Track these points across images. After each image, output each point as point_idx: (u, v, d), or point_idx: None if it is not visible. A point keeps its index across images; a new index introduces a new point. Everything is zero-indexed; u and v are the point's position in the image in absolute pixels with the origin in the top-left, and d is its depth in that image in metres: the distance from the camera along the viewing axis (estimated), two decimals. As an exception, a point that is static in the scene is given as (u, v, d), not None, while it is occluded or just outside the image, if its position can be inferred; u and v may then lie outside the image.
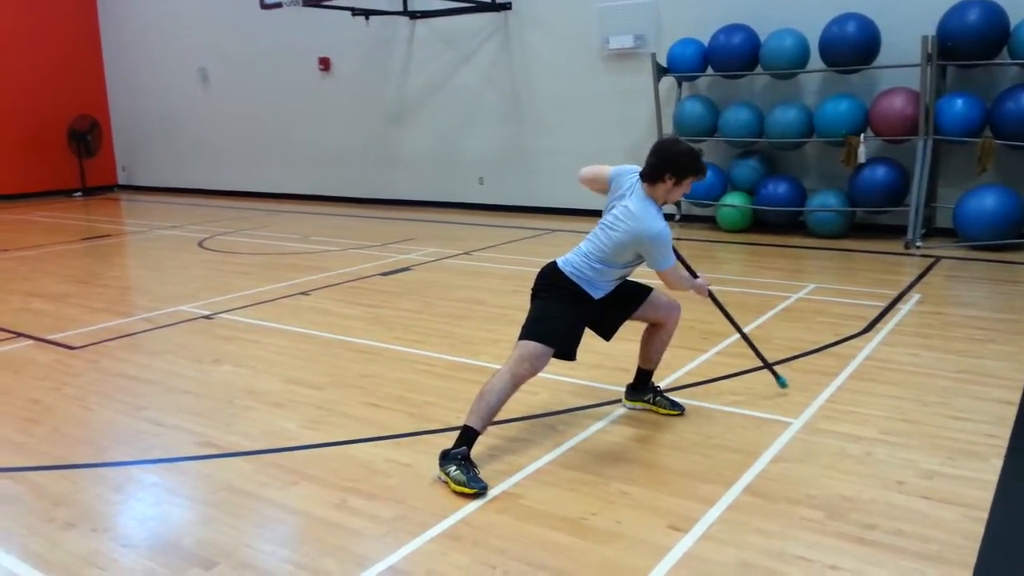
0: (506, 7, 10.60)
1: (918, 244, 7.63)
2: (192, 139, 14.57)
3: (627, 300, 3.56)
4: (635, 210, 3.33)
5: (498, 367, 3.37)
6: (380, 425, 3.76)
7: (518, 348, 3.25)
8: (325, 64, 12.51)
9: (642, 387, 3.81)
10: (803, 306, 5.69)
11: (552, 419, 3.77)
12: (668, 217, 9.40)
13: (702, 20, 8.97)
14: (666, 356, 4.58)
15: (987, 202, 7.38)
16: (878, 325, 5.11)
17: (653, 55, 9.10)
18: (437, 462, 3.17)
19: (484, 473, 3.16)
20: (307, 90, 12.79)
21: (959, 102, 7.57)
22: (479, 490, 3.00)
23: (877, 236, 8.23)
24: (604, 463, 3.31)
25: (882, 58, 8.04)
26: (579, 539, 2.73)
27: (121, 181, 15.99)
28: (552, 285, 3.38)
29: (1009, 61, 7.47)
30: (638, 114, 9.69)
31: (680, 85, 9.36)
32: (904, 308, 5.52)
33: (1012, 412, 3.69)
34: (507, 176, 10.91)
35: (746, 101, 8.81)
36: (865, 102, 8.07)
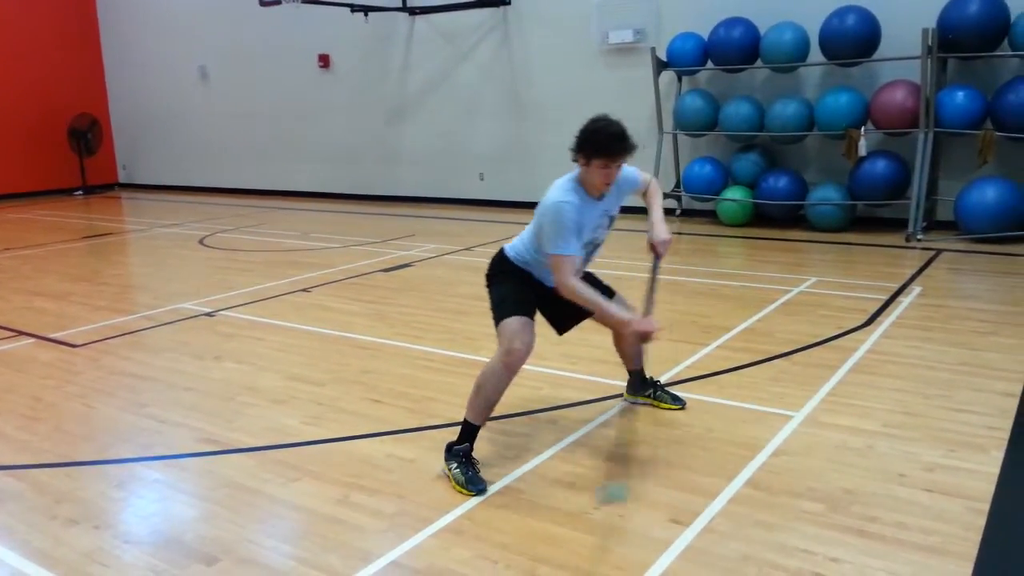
0: (505, 3, 10.58)
1: (919, 237, 7.62)
2: (192, 137, 14.57)
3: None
4: (554, 184, 3.20)
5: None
6: (381, 421, 3.76)
7: (498, 334, 3.17)
8: (324, 61, 12.50)
9: (640, 384, 3.81)
10: (804, 299, 5.69)
11: (554, 414, 3.77)
12: (668, 212, 9.55)
13: (702, 14, 8.96)
14: (666, 350, 4.62)
15: (988, 194, 7.37)
16: (879, 318, 5.11)
17: (653, 49, 9.08)
18: (442, 456, 3.18)
19: (486, 468, 3.16)
20: (307, 87, 12.78)
21: (960, 94, 7.55)
22: (476, 491, 3.00)
23: (878, 229, 8.22)
24: (605, 457, 3.31)
25: (882, 51, 8.03)
26: (581, 533, 2.74)
27: (121, 179, 15.99)
28: (501, 271, 3.32)
29: (1010, 53, 7.45)
30: (638, 109, 9.66)
31: (680, 79, 9.34)
32: (905, 301, 5.52)
33: (1014, 404, 3.69)
34: (507, 172, 10.90)
35: (746, 95, 8.80)
36: (865, 95, 8.05)
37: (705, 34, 8.83)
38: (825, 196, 8.28)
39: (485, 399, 3.14)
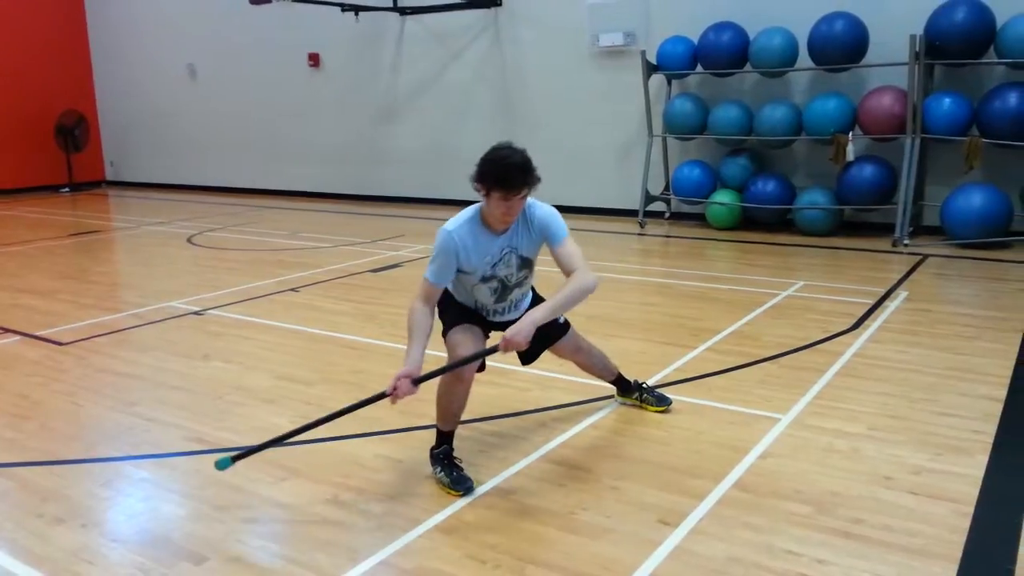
0: (496, 4, 10.59)
1: (906, 242, 7.68)
2: (180, 135, 14.50)
3: (544, 332, 3.20)
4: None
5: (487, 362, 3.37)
6: (370, 421, 3.75)
7: (446, 348, 3.16)
8: (314, 60, 12.48)
9: (626, 388, 3.82)
10: (792, 303, 5.72)
11: (542, 415, 3.78)
12: (658, 215, 9.58)
13: (692, 18, 9.00)
14: (655, 353, 4.64)
15: (974, 200, 7.43)
16: (866, 322, 5.15)
17: (643, 53, 9.11)
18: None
19: (474, 469, 3.17)
20: (296, 86, 12.75)
21: (946, 101, 7.62)
22: (463, 491, 3.01)
23: (865, 234, 8.28)
24: (594, 459, 3.32)
25: (870, 57, 8.09)
26: (570, 534, 2.75)
27: (109, 177, 15.90)
28: (446, 302, 3.26)
29: (996, 60, 7.52)
30: (628, 111, 9.71)
31: (670, 83, 9.38)
32: (892, 305, 5.56)
33: (998, 408, 3.73)
34: None
35: (735, 99, 8.84)
36: (853, 100, 8.11)
37: (695, 38, 8.86)
38: (813, 200, 8.32)
39: (445, 408, 3.15)
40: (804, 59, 8.35)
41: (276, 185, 13.39)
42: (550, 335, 3.43)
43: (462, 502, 2.96)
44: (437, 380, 3.14)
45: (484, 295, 3.20)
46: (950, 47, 7.51)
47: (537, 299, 3.40)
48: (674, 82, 9.39)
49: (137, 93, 14.90)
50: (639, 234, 8.94)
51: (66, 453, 3.52)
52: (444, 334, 3.19)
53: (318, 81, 12.56)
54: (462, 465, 3.13)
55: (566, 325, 3.50)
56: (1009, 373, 4.17)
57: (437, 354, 3.20)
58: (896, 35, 7.76)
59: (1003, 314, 5.34)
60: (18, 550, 2.73)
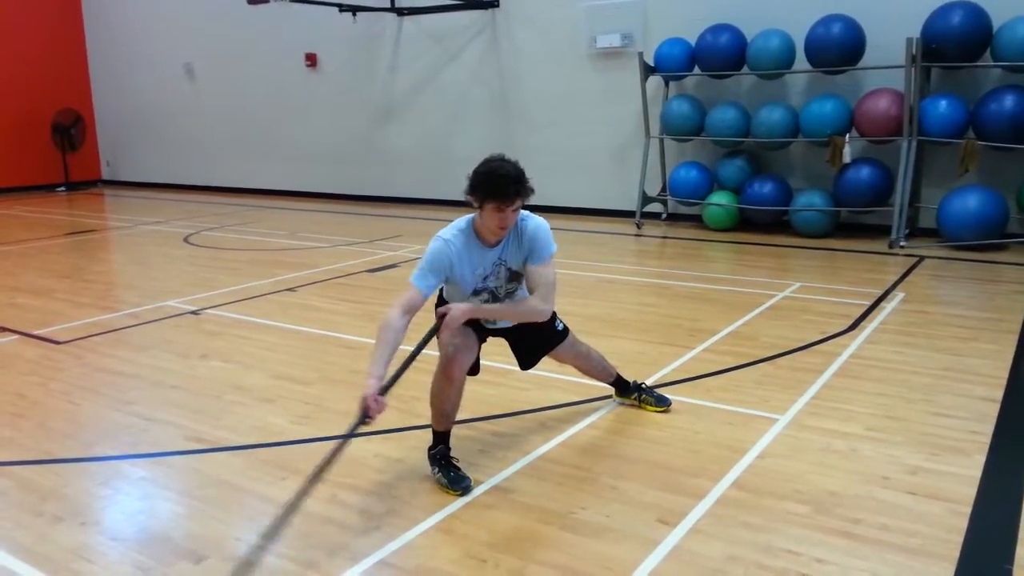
0: (494, 5, 10.60)
1: (902, 244, 7.70)
2: (177, 134, 14.48)
3: (545, 338, 3.40)
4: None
5: (484, 362, 3.38)
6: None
7: (439, 348, 3.16)
8: (312, 60, 12.47)
9: (624, 389, 3.83)
10: (788, 304, 5.74)
11: (541, 415, 3.78)
12: (654, 216, 9.59)
13: (689, 20, 9.01)
14: (652, 353, 4.65)
15: (970, 202, 7.46)
16: (863, 323, 5.16)
17: (640, 54, 9.13)
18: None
19: (474, 467, 3.18)
20: (293, 86, 12.74)
21: (943, 103, 7.64)
22: (462, 491, 3.01)
23: (862, 236, 8.30)
24: (593, 458, 3.33)
25: (867, 59, 8.11)
26: (569, 533, 2.75)
27: (105, 176, 15.87)
28: (440, 305, 3.26)
29: (992, 63, 7.55)
30: (625, 113, 9.72)
31: (667, 84, 9.40)
32: (888, 307, 5.58)
33: (995, 409, 3.74)
34: None
35: (732, 101, 8.86)
36: (850, 103, 8.13)
37: (692, 40, 8.88)
38: (810, 202, 8.34)
39: (438, 409, 3.16)
40: (801, 61, 8.37)
41: (273, 185, 13.38)
42: (550, 341, 3.44)
43: (461, 501, 2.97)
44: (431, 381, 3.14)
45: (484, 294, 3.20)
46: (947, 50, 7.54)
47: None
48: (671, 84, 9.41)
49: (134, 92, 14.87)
50: (636, 235, 8.95)
51: (64, 452, 3.51)
52: (438, 334, 3.18)
53: (315, 81, 12.56)
54: (459, 465, 3.13)
55: (565, 331, 3.50)
56: (1005, 374, 4.19)
57: (432, 354, 3.20)
58: (893, 38, 7.78)
59: (999, 315, 5.36)
60: (18, 549, 2.73)
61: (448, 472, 3.08)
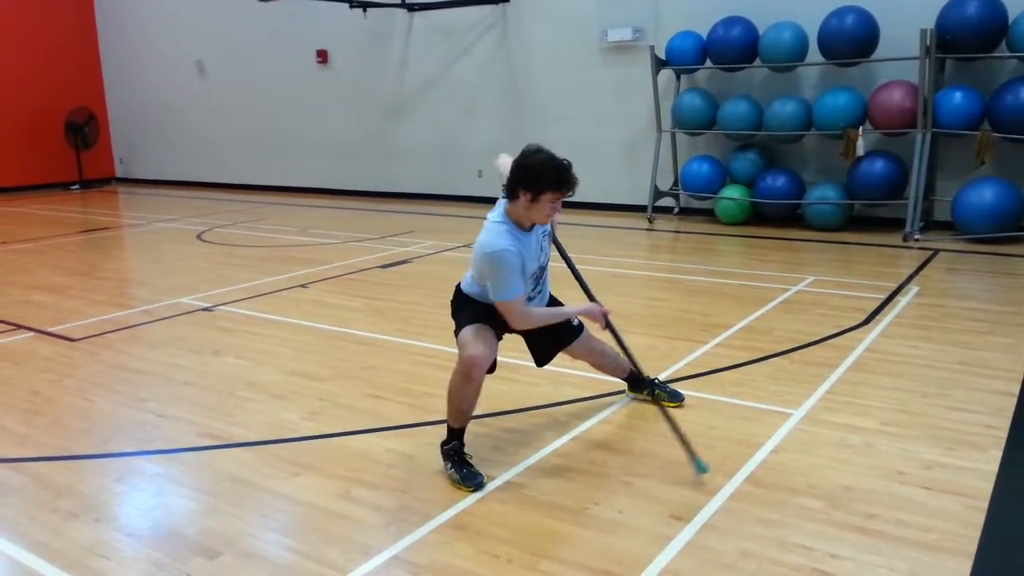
0: (504, 0, 10.58)
1: (917, 237, 7.64)
2: (189, 131, 14.53)
3: (558, 334, 3.43)
4: (485, 226, 3.10)
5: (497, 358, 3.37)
6: (382, 416, 3.77)
7: (457, 347, 3.15)
8: (323, 57, 12.48)
9: (639, 383, 3.82)
10: (802, 298, 5.70)
11: (554, 410, 3.78)
12: (666, 210, 9.56)
13: (701, 13, 8.97)
14: (664, 348, 4.63)
15: (985, 195, 7.39)
16: (877, 317, 5.13)
17: (652, 48, 9.09)
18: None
19: (486, 463, 3.17)
20: (304, 83, 12.76)
21: (958, 95, 7.57)
22: (474, 487, 3.01)
23: (876, 229, 8.24)
24: (606, 453, 3.32)
25: (881, 51, 8.04)
26: (582, 528, 2.75)
27: (119, 174, 15.95)
28: (460, 302, 3.28)
29: (1007, 54, 7.47)
30: (637, 107, 9.69)
31: (679, 78, 9.35)
32: (903, 300, 5.53)
33: (1011, 403, 3.71)
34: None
35: (745, 94, 8.81)
36: (864, 95, 8.07)
37: (704, 33, 8.83)
38: (823, 195, 8.29)
39: (455, 406, 3.15)
40: (814, 53, 8.31)
41: (285, 181, 13.41)
42: (565, 337, 3.44)
43: (474, 497, 2.96)
44: (447, 376, 3.14)
45: (528, 287, 3.19)
46: (961, 41, 7.47)
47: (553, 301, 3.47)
48: (683, 77, 9.36)
49: (146, 90, 14.94)
50: (648, 229, 8.92)
51: (79, 448, 3.53)
52: (456, 333, 3.18)
53: (326, 77, 12.57)
54: (472, 461, 3.13)
55: (580, 327, 3.50)
56: (1022, 368, 4.15)
57: (444, 349, 3.20)
58: (907, 29, 7.71)
59: (1015, 308, 5.31)
60: (33, 544, 2.75)
61: (461, 468, 3.08)
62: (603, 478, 3.11)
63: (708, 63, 8.92)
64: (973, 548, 2.57)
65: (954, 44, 7.52)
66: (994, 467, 3.10)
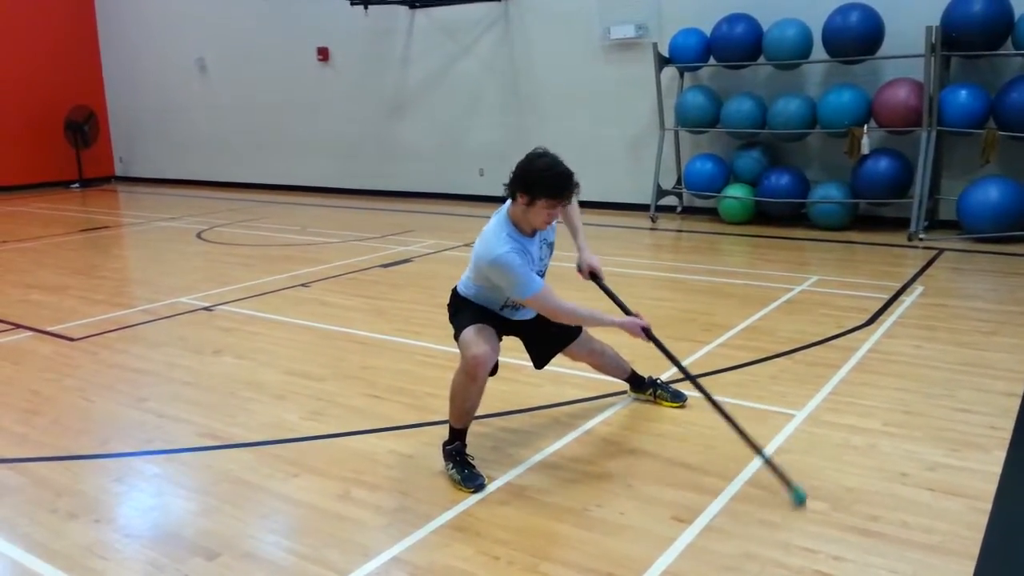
0: (507, -3, 10.56)
1: (921, 236, 7.61)
2: (190, 130, 14.52)
3: (557, 335, 3.39)
4: (485, 231, 3.08)
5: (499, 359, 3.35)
6: (382, 417, 3.75)
7: (459, 348, 3.12)
8: (324, 54, 12.46)
9: (640, 384, 3.80)
10: (806, 298, 5.68)
11: (555, 411, 3.76)
12: (669, 209, 9.53)
13: (704, 10, 8.93)
14: (668, 347, 4.59)
15: (991, 194, 7.35)
16: (881, 317, 5.10)
17: (655, 45, 9.06)
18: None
19: (487, 464, 3.16)
20: (306, 81, 12.74)
21: (963, 93, 7.53)
22: (475, 488, 3.00)
23: (880, 228, 8.21)
24: (607, 455, 3.30)
25: (885, 48, 8.00)
26: (583, 530, 2.72)
27: (118, 172, 15.94)
28: (457, 304, 3.26)
29: (1013, 52, 7.43)
30: (640, 105, 9.65)
31: (682, 75, 9.32)
32: (907, 300, 5.50)
33: (1016, 404, 3.68)
34: (508, 167, 10.55)
35: (748, 92, 8.77)
36: (868, 93, 8.03)
37: (707, 30, 8.80)
38: (827, 194, 8.26)
39: (458, 407, 3.13)
40: (819, 51, 8.28)
41: (285, 180, 13.39)
42: (563, 338, 3.41)
43: (474, 498, 2.95)
44: (448, 376, 3.12)
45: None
46: (967, 38, 7.43)
47: None
48: (686, 75, 9.33)
49: (146, 88, 14.92)
50: (651, 228, 8.89)
51: (78, 449, 3.52)
52: (456, 335, 3.16)
53: (327, 75, 12.55)
54: (474, 462, 3.11)
55: (579, 328, 3.46)
56: (1027, 368, 4.13)
57: (445, 349, 3.18)
58: (912, 26, 7.68)
59: (1020, 309, 5.28)
60: (32, 545, 2.73)
61: (462, 469, 3.06)
62: (605, 479, 3.08)
63: (712, 61, 8.89)
64: (976, 549, 2.55)
65: (959, 41, 7.48)
66: (998, 468, 3.07)
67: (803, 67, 8.62)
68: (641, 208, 9.52)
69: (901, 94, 7.74)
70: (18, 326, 5.48)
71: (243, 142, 13.84)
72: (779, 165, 8.72)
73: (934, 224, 8.06)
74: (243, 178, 13.94)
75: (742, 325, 5.02)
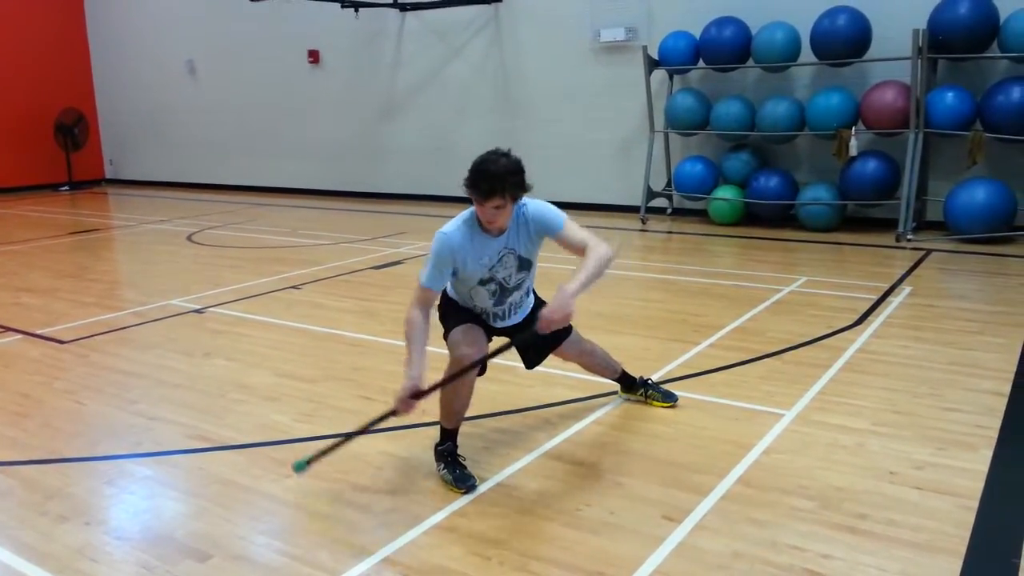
0: None
1: (909, 237, 7.66)
2: (180, 132, 14.48)
3: (545, 336, 3.23)
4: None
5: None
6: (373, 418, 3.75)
7: (448, 348, 3.13)
8: (314, 57, 12.45)
9: (630, 385, 3.81)
10: (795, 299, 5.71)
11: (546, 412, 3.77)
12: (659, 211, 9.56)
13: (693, 13, 8.98)
14: (657, 349, 4.63)
15: (977, 195, 7.41)
16: (869, 318, 5.13)
17: (644, 48, 9.09)
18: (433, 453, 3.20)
19: (478, 465, 3.17)
20: (296, 83, 12.73)
21: (949, 95, 7.59)
22: (466, 488, 3.00)
23: (868, 229, 8.26)
24: (598, 455, 3.32)
25: (873, 51, 8.06)
26: (573, 530, 2.74)
27: (108, 175, 15.89)
28: (446, 306, 3.26)
29: (999, 54, 7.50)
30: (630, 107, 9.69)
31: (672, 78, 9.36)
32: (895, 301, 5.54)
33: (1002, 403, 3.71)
34: None
35: (738, 94, 8.82)
36: (856, 95, 8.09)
37: (697, 33, 8.84)
38: (816, 196, 8.31)
39: (447, 407, 3.15)
40: (807, 54, 8.33)
41: (276, 182, 13.37)
42: (554, 338, 3.42)
43: (465, 499, 2.96)
44: (440, 378, 3.13)
45: (483, 298, 3.17)
46: (953, 41, 7.49)
47: (539, 303, 3.38)
48: (676, 77, 9.37)
49: (136, 90, 14.88)
50: (641, 230, 8.92)
51: (69, 451, 3.51)
52: (445, 336, 3.17)
53: (318, 78, 12.54)
54: (465, 462, 3.13)
55: (568, 328, 3.47)
56: (1013, 368, 4.16)
57: (438, 351, 3.19)
58: (899, 29, 7.74)
59: (1007, 308, 5.33)
60: (22, 548, 2.72)
61: (454, 469, 3.07)
62: (595, 479, 3.10)
63: (701, 63, 8.93)
64: (964, 548, 2.57)
65: (946, 44, 7.54)
66: (985, 467, 3.10)
67: (791, 70, 8.68)
68: (631, 210, 9.55)
69: (888, 96, 7.79)
70: (8, 329, 5.46)
71: (233, 144, 13.81)
72: (768, 167, 8.77)
73: (922, 225, 8.12)
74: (234, 180, 13.92)
75: (732, 326, 5.04)
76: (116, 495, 3.12)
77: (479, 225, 3.04)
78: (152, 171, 15.13)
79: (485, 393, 3.78)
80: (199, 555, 2.64)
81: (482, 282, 3.12)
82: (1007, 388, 3.89)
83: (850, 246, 7.65)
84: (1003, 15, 7.35)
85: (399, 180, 11.97)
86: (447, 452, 3.13)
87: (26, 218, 11.28)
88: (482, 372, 3.19)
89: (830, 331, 4.86)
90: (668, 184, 9.53)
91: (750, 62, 8.63)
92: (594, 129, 10.07)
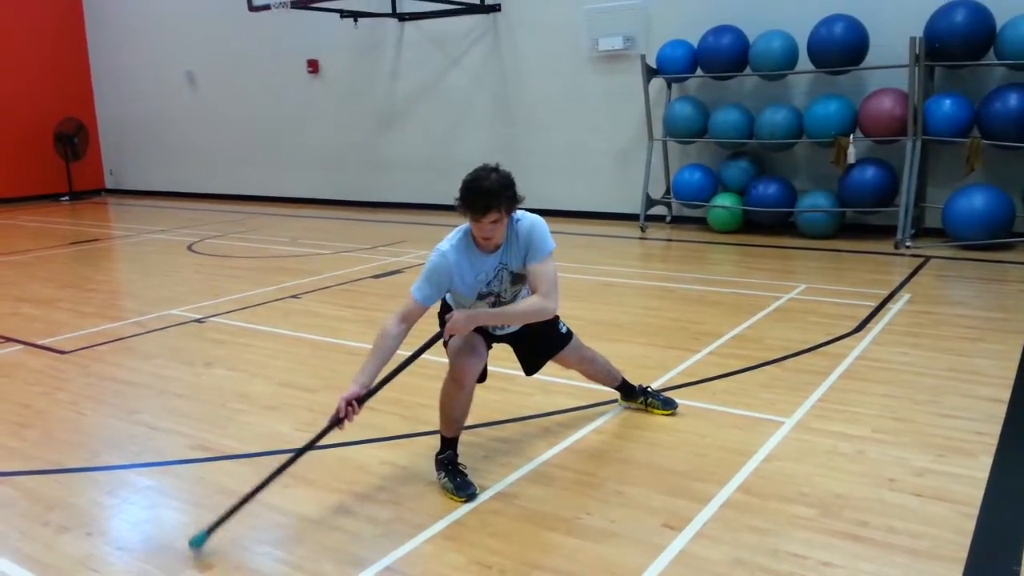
0: (495, 9, 10.61)
1: (908, 244, 7.67)
2: (179, 142, 14.51)
3: (546, 343, 3.39)
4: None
5: (489, 367, 3.37)
6: (374, 427, 3.76)
7: (448, 356, 3.16)
8: (313, 66, 12.49)
9: (630, 393, 3.82)
10: (794, 306, 5.72)
11: (546, 420, 3.78)
12: (658, 219, 9.58)
13: (691, 21, 9.01)
14: (657, 357, 4.64)
15: (976, 202, 7.43)
16: (869, 325, 5.15)
17: (642, 56, 9.12)
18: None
19: (479, 473, 3.17)
20: (295, 93, 12.76)
21: (947, 102, 7.62)
22: (467, 497, 3.01)
23: (867, 236, 8.27)
24: (598, 463, 3.32)
25: (870, 59, 8.09)
26: (574, 538, 2.74)
27: (108, 185, 15.90)
28: (445, 314, 3.25)
29: (996, 62, 7.52)
30: (628, 116, 9.72)
31: (670, 86, 9.38)
32: (894, 308, 5.55)
33: (1002, 410, 3.72)
34: None
35: (735, 102, 8.84)
36: (854, 103, 8.11)
37: (695, 42, 8.87)
38: (814, 203, 8.32)
39: (447, 415, 3.16)
40: (804, 62, 8.36)
41: (276, 192, 13.39)
42: (554, 345, 3.43)
43: (466, 508, 2.96)
44: (440, 386, 3.14)
45: (481, 309, 3.18)
46: (950, 49, 7.52)
47: None
48: (674, 86, 9.39)
49: (136, 100, 14.91)
50: (640, 238, 8.94)
51: (70, 462, 3.52)
52: (445, 343, 3.18)
53: (317, 88, 12.58)
54: (466, 471, 3.13)
55: (569, 335, 3.48)
56: (1012, 374, 4.17)
57: (436, 360, 3.20)
58: (896, 37, 7.77)
59: (1006, 315, 5.34)
60: (24, 559, 2.73)
61: (454, 478, 3.08)
62: (595, 487, 3.10)
63: (699, 72, 8.96)
64: (964, 555, 2.58)
65: (943, 52, 7.57)
66: (984, 474, 3.11)
67: (789, 78, 8.71)
68: (630, 218, 9.57)
69: (886, 104, 7.82)
70: (8, 339, 5.47)
71: (233, 154, 13.84)
72: (767, 175, 8.79)
73: (920, 232, 8.14)
74: (233, 190, 13.93)
75: (731, 333, 5.05)
76: (117, 505, 3.12)
77: (474, 243, 3.06)
78: (152, 181, 15.15)
79: (485, 402, 3.79)
80: (201, 565, 2.65)
81: (480, 296, 3.14)
82: (1006, 394, 3.90)
83: (849, 253, 7.66)
84: (999, 23, 7.38)
85: (399, 189, 11.99)
86: (447, 461, 3.14)
87: (26, 228, 11.30)
88: (482, 379, 3.21)
89: (829, 338, 4.87)
90: (667, 192, 9.55)
91: (748, 70, 8.66)
92: (593, 137, 10.10)
